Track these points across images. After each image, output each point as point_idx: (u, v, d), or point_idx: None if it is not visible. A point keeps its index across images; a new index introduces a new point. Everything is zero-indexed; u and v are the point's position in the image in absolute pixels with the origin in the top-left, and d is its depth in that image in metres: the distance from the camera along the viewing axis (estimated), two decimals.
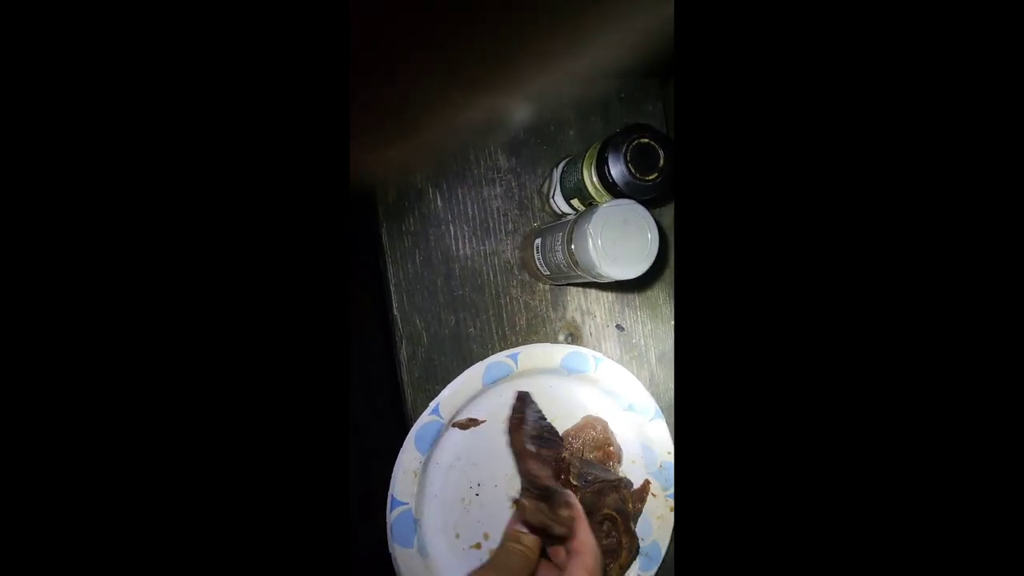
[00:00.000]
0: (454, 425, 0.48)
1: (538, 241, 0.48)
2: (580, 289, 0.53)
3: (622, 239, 0.40)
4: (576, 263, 0.42)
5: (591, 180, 0.43)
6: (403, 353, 0.50)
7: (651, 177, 0.41)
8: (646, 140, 0.41)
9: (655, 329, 0.55)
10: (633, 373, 0.52)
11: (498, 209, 0.52)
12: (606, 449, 0.51)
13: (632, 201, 0.41)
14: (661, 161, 0.41)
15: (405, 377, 0.50)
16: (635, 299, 0.54)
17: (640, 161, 0.41)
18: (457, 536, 0.48)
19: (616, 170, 0.41)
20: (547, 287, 0.53)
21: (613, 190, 0.42)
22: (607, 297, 0.54)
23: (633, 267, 0.41)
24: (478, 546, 0.48)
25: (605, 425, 0.51)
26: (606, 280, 0.42)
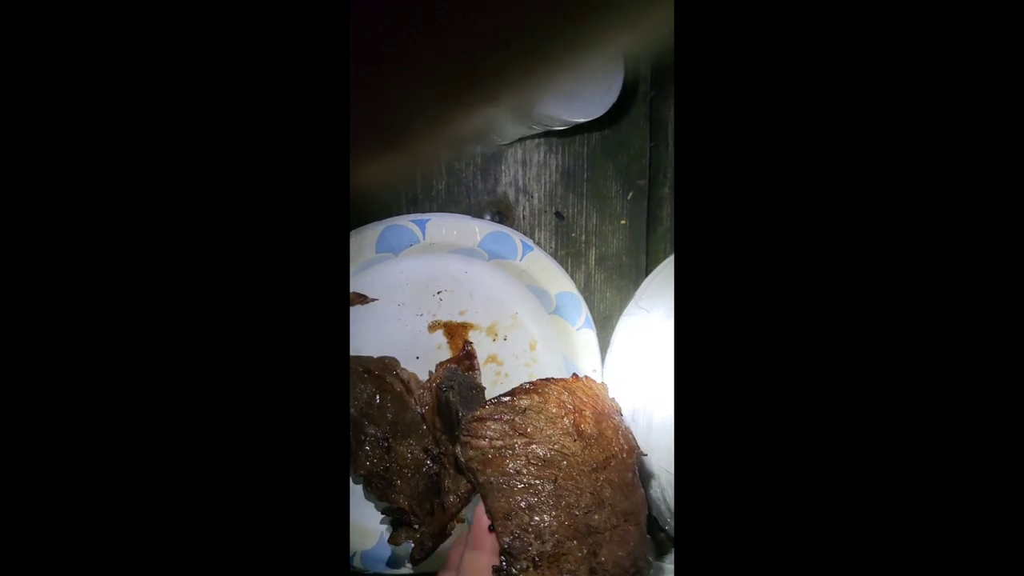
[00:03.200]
0: None
1: None
2: (518, 163, 0.43)
3: None
4: None
5: None
6: None
7: None
8: None
9: (600, 225, 0.46)
10: (568, 272, 0.44)
11: None
12: None
13: None
14: None
15: None
16: (583, 186, 0.45)
17: None
18: None
19: None
20: (478, 150, 0.43)
21: None
22: (549, 176, 0.44)
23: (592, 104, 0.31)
24: None
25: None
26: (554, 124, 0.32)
